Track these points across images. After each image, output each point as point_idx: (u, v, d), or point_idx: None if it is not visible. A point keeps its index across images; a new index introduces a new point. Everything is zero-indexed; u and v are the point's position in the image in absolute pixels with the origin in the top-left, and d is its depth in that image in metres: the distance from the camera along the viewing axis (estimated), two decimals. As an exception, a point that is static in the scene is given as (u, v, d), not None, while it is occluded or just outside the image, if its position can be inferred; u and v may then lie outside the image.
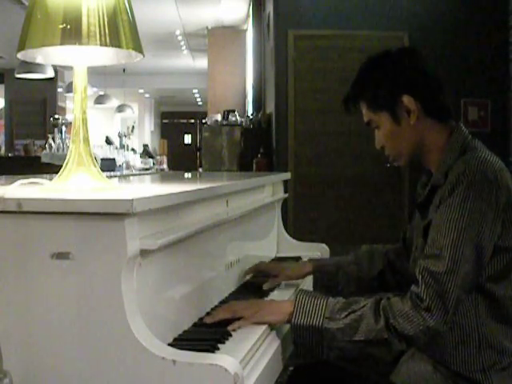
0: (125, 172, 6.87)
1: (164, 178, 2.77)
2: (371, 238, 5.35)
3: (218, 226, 1.76)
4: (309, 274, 2.00)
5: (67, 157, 1.45)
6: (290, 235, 2.73)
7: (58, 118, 7.85)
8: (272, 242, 2.61)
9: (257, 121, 6.44)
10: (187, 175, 2.98)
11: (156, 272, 1.35)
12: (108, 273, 1.18)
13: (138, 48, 1.43)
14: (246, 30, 9.28)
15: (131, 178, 2.77)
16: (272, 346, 1.48)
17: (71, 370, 1.19)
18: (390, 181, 5.39)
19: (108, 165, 6.86)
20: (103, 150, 8.55)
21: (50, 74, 8.52)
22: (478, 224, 1.46)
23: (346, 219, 5.41)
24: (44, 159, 7.32)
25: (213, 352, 1.29)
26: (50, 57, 1.53)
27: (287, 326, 1.55)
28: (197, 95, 18.20)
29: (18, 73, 8.42)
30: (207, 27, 9.65)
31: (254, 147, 5.98)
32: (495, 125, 5.50)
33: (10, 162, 8.73)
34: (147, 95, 17.91)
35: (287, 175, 2.97)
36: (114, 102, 11.94)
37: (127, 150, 9.81)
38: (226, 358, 1.15)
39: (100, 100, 11.35)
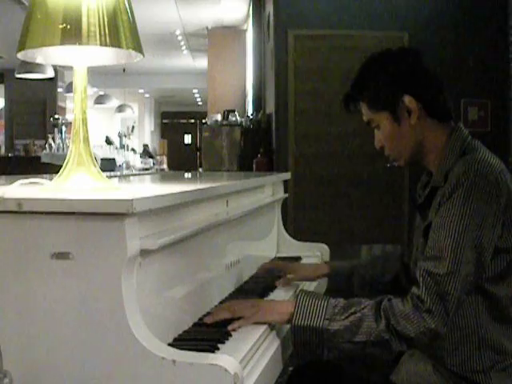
0: (125, 172, 6.87)
1: (164, 178, 2.77)
2: (371, 238, 5.35)
3: (218, 226, 1.76)
4: (324, 275, 2.00)
5: (67, 157, 1.45)
6: (290, 235, 2.73)
7: (58, 118, 7.87)
8: (272, 242, 2.61)
9: (257, 121, 6.44)
10: (187, 175, 2.98)
11: (156, 272, 1.35)
12: (108, 273, 1.18)
13: (138, 48, 1.43)
14: (245, 30, 9.28)
15: (131, 178, 2.77)
16: (272, 345, 1.48)
17: (71, 370, 1.19)
18: (390, 181, 5.39)
19: (108, 165, 6.87)
20: (103, 149, 8.56)
21: (50, 74, 8.52)
22: (478, 226, 1.46)
23: (346, 219, 5.41)
24: (44, 159, 7.33)
25: (213, 352, 1.29)
26: (50, 57, 1.53)
27: (287, 326, 1.55)
28: (197, 95, 18.20)
29: (18, 73, 8.42)
30: (207, 27, 9.65)
31: (254, 147, 5.98)
32: (495, 125, 5.50)
33: (10, 162, 8.74)
34: (147, 95, 17.91)
35: (287, 175, 2.97)
36: (114, 102, 11.95)
37: (127, 149, 9.83)
38: (226, 358, 1.15)
39: (100, 100, 11.35)
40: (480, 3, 5.53)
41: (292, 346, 1.52)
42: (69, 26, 1.34)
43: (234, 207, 1.95)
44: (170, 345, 1.26)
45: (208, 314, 1.59)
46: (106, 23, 1.36)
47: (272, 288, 1.95)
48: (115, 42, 1.37)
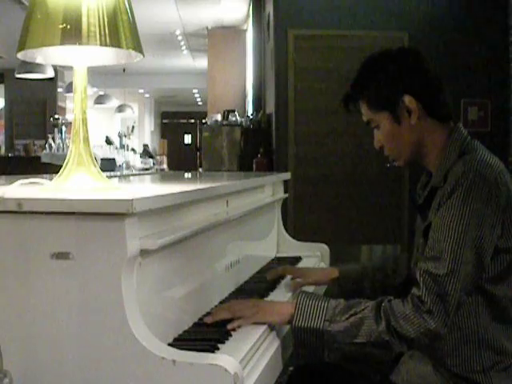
0: (125, 172, 6.86)
1: (164, 177, 2.77)
2: (371, 238, 5.35)
3: (218, 226, 1.76)
4: (335, 279, 1.99)
5: (67, 157, 1.45)
6: (290, 235, 2.73)
7: (58, 118, 7.86)
8: (272, 242, 2.61)
9: (257, 121, 6.44)
10: (187, 175, 2.98)
11: (156, 272, 1.35)
12: (108, 273, 1.18)
13: (138, 48, 1.43)
14: (245, 30, 9.27)
15: (131, 178, 2.77)
16: (272, 345, 1.48)
17: (71, 370, 1.19)
18: (390, 181, 5.39)
19: (108, 165, 6.87)
20: (103, 149, 8.56)
21: (50, 73, 8.51)
22: (478, 226, 1.46)
23: (346, 219, 5.40)
24: (44, 159, 7.33)
25: (213, 352, 1.29)
26: (50, 57, 1.53)
27: (287, 327, 1.55)
28: (197, 95, 18.20)
29: (18, 73, 8.42)
30: (207, 27, 9.64)
31: (254, 147, 5.98)
32: (495, 125, 5.50)
33: (10, 162, 8.74)
34: (147, 95, 17.90)
35: (287, 175, 2.97)
36: (114, 102, 11.94)
37: (127, 149, 9.82)
38: (225, 358, 1.15)
39: (100, 100, 11.35)
40: (480, 3, 5.52)
41: (292, 347, 1.52)
42: (69, 26, 1.34)
43: (234, 207, 1.95)
44: (170, 345, 1.26)
45: (208, 313, 1.59)
46: (105, 23, 1.36)
47: (272, 288, 1.95)
48: (115, 42, 1.37)
